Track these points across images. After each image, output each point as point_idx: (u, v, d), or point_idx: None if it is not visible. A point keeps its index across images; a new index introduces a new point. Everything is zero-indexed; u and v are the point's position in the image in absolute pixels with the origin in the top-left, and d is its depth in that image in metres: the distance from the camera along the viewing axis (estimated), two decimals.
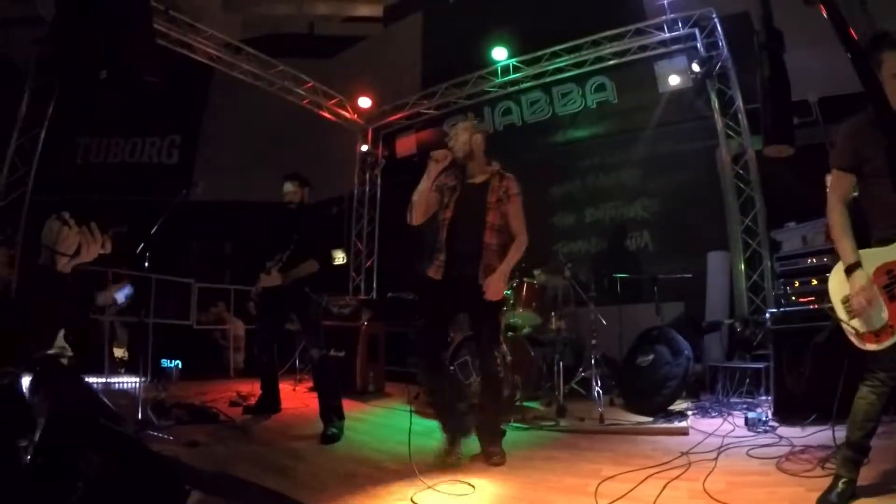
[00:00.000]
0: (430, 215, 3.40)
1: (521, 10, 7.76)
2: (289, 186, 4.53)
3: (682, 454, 3.31)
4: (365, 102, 8.77)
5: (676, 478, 2.87)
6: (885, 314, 2.24)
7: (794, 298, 4.62)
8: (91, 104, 8.65)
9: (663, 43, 6.94)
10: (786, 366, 4.14)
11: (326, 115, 8.72)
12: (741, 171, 6.33)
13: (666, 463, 3.15)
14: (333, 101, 8.67)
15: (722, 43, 6.40)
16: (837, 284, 2.42)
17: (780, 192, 5.96)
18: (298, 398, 5.58)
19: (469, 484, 2.90)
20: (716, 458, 3.21)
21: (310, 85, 8.28)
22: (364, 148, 9.15)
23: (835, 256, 2.46)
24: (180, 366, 6.63)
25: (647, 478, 2.88)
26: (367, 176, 9.29)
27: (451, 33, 8.57)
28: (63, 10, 4.26)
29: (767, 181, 6.14)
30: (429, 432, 3.89)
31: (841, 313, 2.39)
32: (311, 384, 5.84)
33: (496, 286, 3.19)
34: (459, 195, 3.33)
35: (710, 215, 6.69)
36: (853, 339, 2.35)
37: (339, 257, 9.21)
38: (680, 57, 6.98)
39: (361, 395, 5.75)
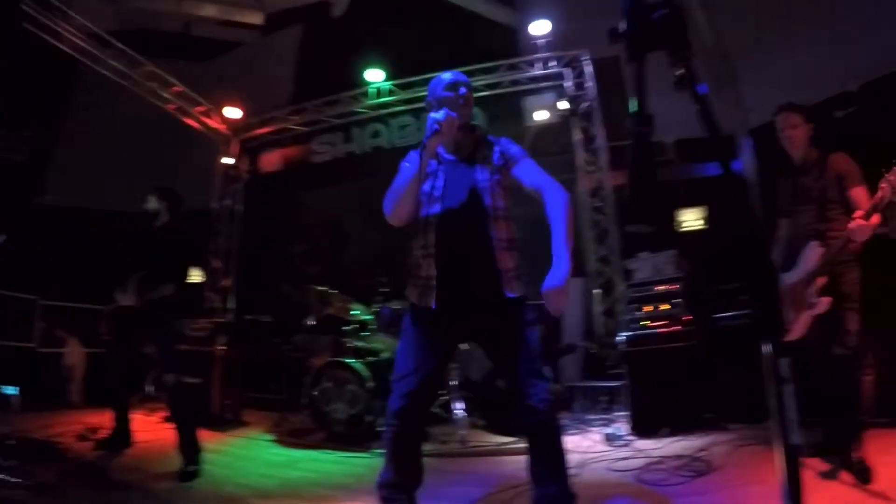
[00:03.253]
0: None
1: (401, 34, 7.79)
2: (155, 202, 4.05)
3: None
4: (233, 112, 8.25)
5: None
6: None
7: (644, 323, 4.91)
8: None
9: (534, 79, 7.28)
10: (639, 384, 4.37)
11: (192, 122, 8.05)
12: (598, 204, 6.74)
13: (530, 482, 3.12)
14: (200, 108, 8.04)
15: (589, 84, 6.86)
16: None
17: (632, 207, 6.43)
18: (151, 429, 4.94)
19: None
20: (578, 474, 3.22)
21: (178, 89, 7.61)
22: (228, 160, 8.53)
23: None
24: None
25: (514, 497, 2.84)
26: (229, 190, 8.65)
27: (328, 50, 8.36)
28: None
29: (622, 214, 6.59)
30: (292, 463, 3.69)
31: None
32: (164, 413, 5.20)
33: (561, 292, 2.03)
34: (445, 180, 2.33)
35: None
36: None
37: (195, 275, 8.42)
38: (548, 94, 7.35)
39: (218, 425, 5.24)
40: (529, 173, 2.28)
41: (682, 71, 0.89)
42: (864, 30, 5.44)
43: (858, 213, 2.52)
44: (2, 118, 8.39)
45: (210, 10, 8.47)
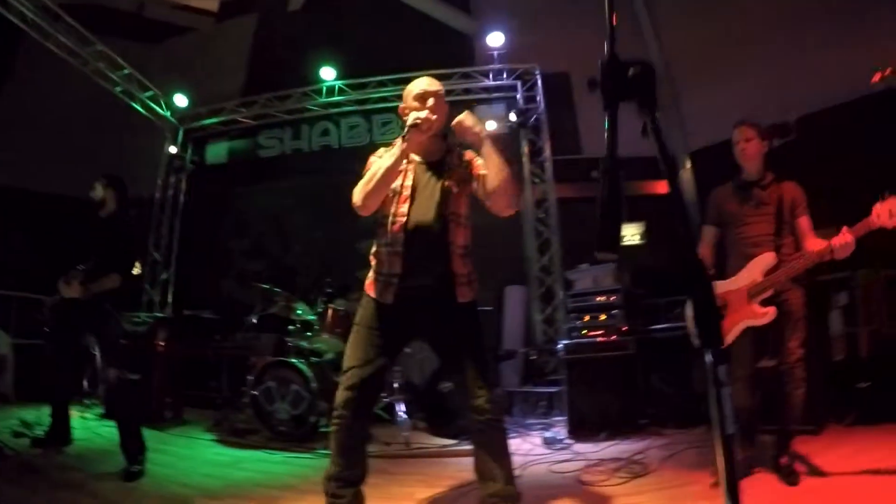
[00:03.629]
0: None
1: (357, 34, 7.72)
2: (101, 190, 3.85)
3: None
4: (181, 101, 7.94)
5: None
6: None
7: (583, 332, 5.10)
8: None
9: (486, 89, 7.43)
10: (577, 390, 4.54)
11: (138, 107, 7.68)
12: (542, 215, 6.94)
13: (474, 482, 3.18)
14: (148, 93, 7.69)
15: (540, 97, 7.07)
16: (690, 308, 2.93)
17: (576, 237, 6.67)
18: (90, 426, 4.67)
19: None
20: (520, 475, 3.31)
21: (127, 72, 7.25)
22: (172, 149, 8.18)
23: None
24: None
25: (459, 497, 2.89)
26: (173, 180, 8.29)
27: (282, 43, 8.16)
28: None
29: (565, 225, 6.81)
30: (236, 463, 3.60)
31: (690, 328, 2.80)
32: (101, 411, 4.98)
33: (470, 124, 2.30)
34: (414, 181, 2.39)
35: (510, 253, 7.19)
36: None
37: (135, 268, 8.00)
38: (499, 104, 7.52)
39: (158, 423, 5.03)
40: (482, 166, 2.39)
41: (647, 121, 1.03)
42: (804, 65, 5.89)
43: (846, 229, 2.65)
44: None
45: None
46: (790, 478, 2.75)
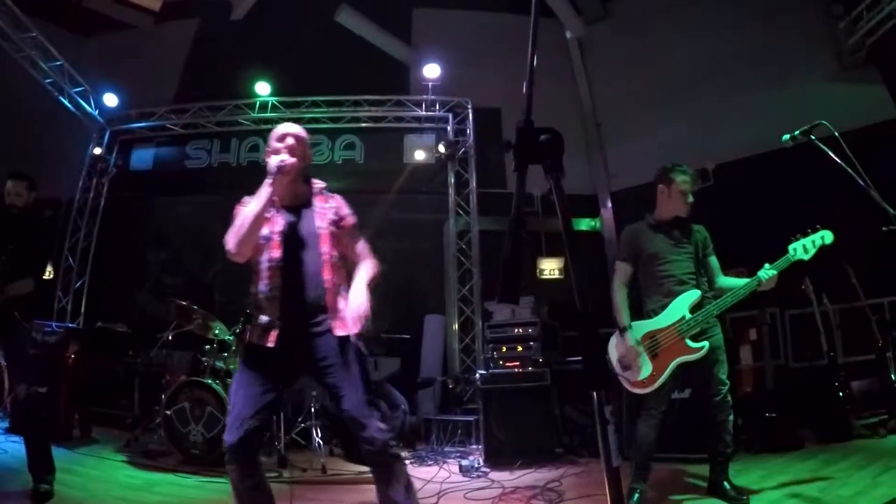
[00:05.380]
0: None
1: (296, 52, 7.65)
2: (14, 186, 3.58)
3: None
4: (111, 100, 7.52)
5: None
6: (650, 367, 3.05)
7: (501, 362, 5.26)
8: None
9: (418, 119, 7.63)
10: (494, 419, 4.68)
11: (66, 102, 7.19)
12: (464, 246, 7.13)
13: None
14: (79, 88, 7.23)
15: (470, 131, 7.34)
16: (614, 347, 3.19)
17: (496, 268, 6.88)
18: None
19: None
20: (436, 503, 3.38)
21: (59, 63, 6.79)
22: (97, 150, 7.67)
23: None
24: None
25: None
26: (94, 183, 7.76)
27: (220, 52, 7.92)
28: None
29: (486, 257, 7.04)
30: (149, 486, 3.43)
31: (616, 368, 3.16)
32: (6, 425, 4.59)
33: (360, 308, 2.33)
34: (284, 226, 2.44)
35: (431, 282, 7.32)
36: (627, 386, 3.14)
37: (47, 273, 7.33)
38: (429, 134, 7.72)
39: (66, 441, 4.68)
40: (355, 240, 2.54)
41: (551, 182, 1.14)
42: (721, 119, 6.56)
43: (768, 264, 2.95)
44: None
45: None
46: (741, 498, 2.92)
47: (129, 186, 7.86)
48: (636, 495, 3.00)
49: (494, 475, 4.10)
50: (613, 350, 3.18)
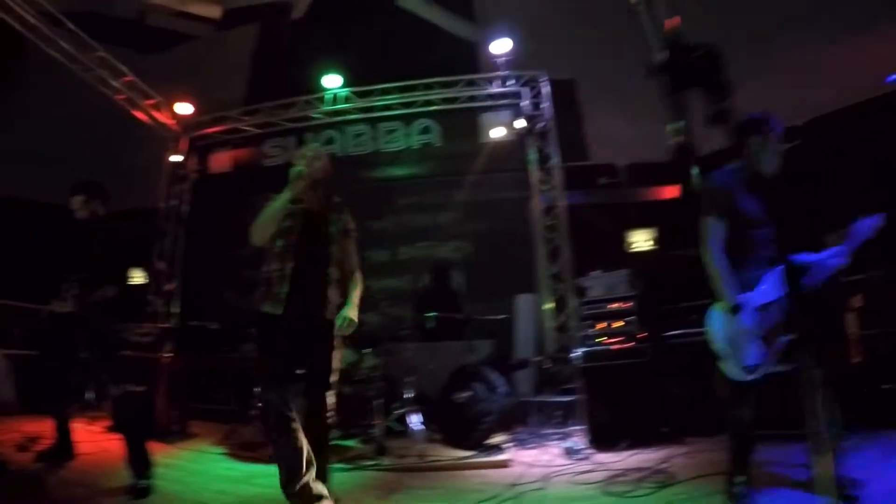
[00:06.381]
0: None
1: (360, 42, 7.72)
2: (74, 201, 3.78)
3: (511, 486, 3.32)
4: (184, 108, 7.86)
5: None
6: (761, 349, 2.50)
7: (597, 339, 5.03)
8: None
9: (492, 96, 7.40)
10: (595, 399, 4.47)
11: (141, 115, 7.62)
12: (551, 223, 6.87)
13: (497, 496, 3.14)
14: (151, 101, 7.63)
15: (547, 104, 7.02)
16: (718, 324, 2.62)
17: (586, 243, 6.61)
18: (94, 440, 4.56)
19: None
20: (543, 487, 3.25)
21: (129, 79, 7.18)
22: (176, 158, 8.14)
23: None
24: None
25: None
26: (176, 190, 8.24)
27: (285, 51, 8.15)
28: None
29: (575, 232, 6.75)
30: (247, 478, 3.52)
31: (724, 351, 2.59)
32: (107, 423, 4.84)
33: (353, 320, 2.93)
34: (304, 222, 3.01)
35: (520, 260, 7.13)
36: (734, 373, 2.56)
37: (138, 277, 7.90)
38: (505, 111, 7.48)
39: (164, 437, 4.91)
40: (350, 253, 3.13)
41: (715, 109, 0.94)
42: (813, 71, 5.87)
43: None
44: None
45: (167, 0, 8.13)
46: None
47: (210, 189, 8.20)
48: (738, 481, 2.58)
49: (599, 457, 3.94)
50: (717, 330, 2.64)
